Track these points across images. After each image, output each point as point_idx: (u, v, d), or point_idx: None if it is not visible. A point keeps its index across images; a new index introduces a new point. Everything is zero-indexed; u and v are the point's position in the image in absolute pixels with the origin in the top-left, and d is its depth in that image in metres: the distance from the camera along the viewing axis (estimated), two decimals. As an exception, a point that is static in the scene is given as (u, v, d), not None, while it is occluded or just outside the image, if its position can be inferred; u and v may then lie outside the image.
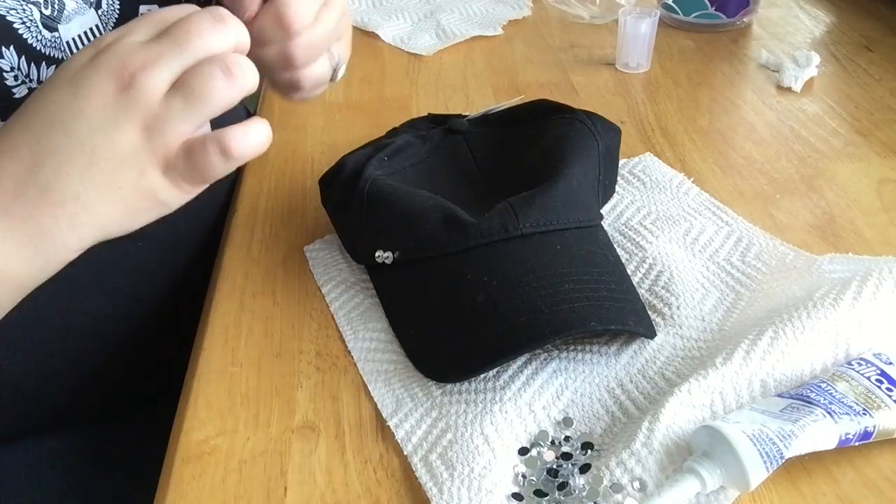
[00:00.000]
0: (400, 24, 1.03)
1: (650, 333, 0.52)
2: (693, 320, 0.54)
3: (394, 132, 0.69)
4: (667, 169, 0.70)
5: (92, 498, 0.66)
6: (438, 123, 0.69)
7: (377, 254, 0.57)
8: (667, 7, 0.98)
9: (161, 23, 0.42)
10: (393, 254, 0.56)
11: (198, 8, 0.44)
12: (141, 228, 0.45)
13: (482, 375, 0.51)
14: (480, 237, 0.53)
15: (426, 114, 0.73)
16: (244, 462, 0.47)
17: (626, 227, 0.63)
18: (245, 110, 0.85)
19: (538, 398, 0.49)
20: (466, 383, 0.50)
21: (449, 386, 0.50)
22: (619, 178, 0.68)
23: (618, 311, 0.51)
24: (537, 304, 0.49)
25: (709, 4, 0.96)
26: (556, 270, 0.52)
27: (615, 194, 0.67)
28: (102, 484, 0.66)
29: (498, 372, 0.51)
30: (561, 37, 0.99)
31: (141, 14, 0.45)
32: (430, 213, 0.56)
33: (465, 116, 0.70)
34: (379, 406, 0.50)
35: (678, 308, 0.55)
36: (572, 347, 0.53)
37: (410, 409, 0.49)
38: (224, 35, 0.43)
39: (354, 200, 0.58)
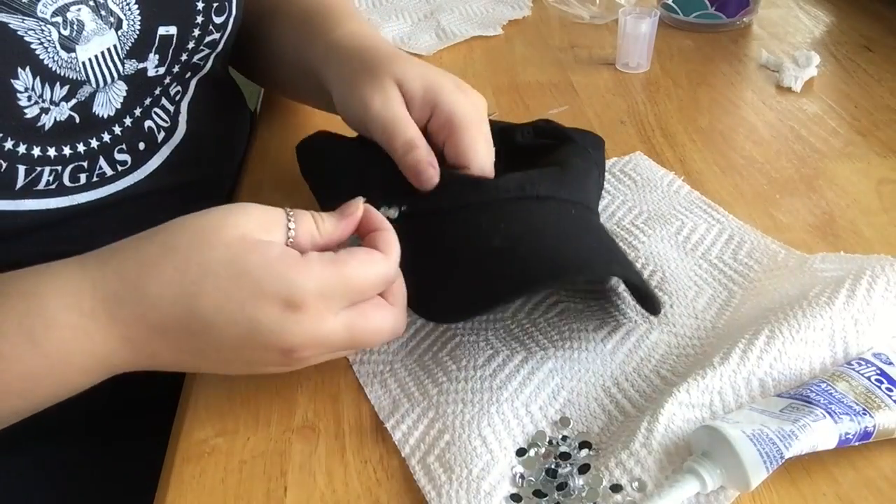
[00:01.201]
0: (400, 24, 1.03)
1: (657, 305, 0.52)
2: (686, 318, 0.54)
3: None
4: (657, 167, 0.70)
5: (93, 499, 0.66)
6: None
7: (381, 210, 0.53)
8: (667, 7, 0.98)
9: (358, 298, 0.45)
10: (399, 208, 0.53)
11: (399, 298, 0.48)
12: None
13: (478, 373, 0.51)
14: (496, 192, 0.52)
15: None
16: (244, 462, 0.47)
17: (617, 227, 0.63)
18: (248, 110, 0.85)
19: (535, 399, 0.49)
20: (463, 382, 0.50)
21: (446, 385, 0.50)
22: (609, 177, 0.69)
23: (637, 271, 0.52)
24: (559, 248, 0.48)
25: (709, 4, 0.96)
26: (575, 226, 0.51)
27: (607, 194, 0.67)
28: (103, 485, 0.66)
29: (494, 371, 0.51)
30: (561, 37, 0.99)
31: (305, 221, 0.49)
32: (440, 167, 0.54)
33: None
34: (376, 408, 0.50)
35: (671, 306, 0.55)
36: (567, 346, 0.53)
37: (407, 409, 0.49)
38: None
39: (349, 153, 0.57)
